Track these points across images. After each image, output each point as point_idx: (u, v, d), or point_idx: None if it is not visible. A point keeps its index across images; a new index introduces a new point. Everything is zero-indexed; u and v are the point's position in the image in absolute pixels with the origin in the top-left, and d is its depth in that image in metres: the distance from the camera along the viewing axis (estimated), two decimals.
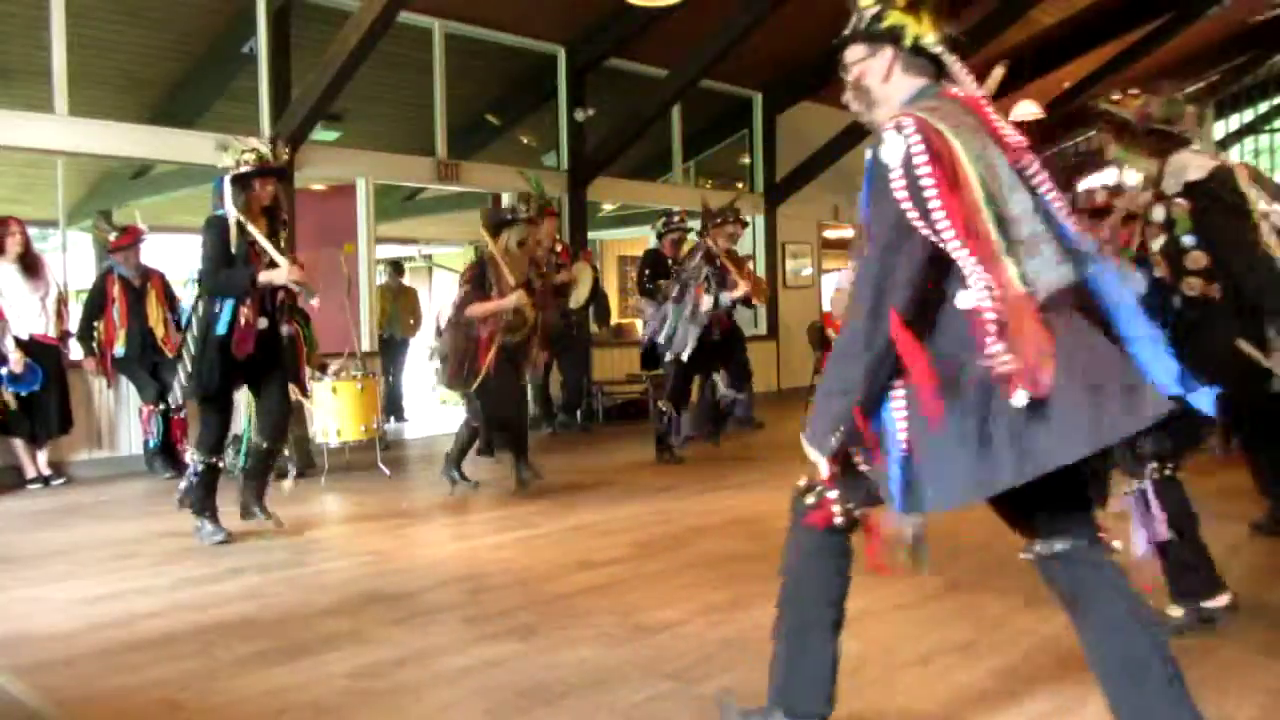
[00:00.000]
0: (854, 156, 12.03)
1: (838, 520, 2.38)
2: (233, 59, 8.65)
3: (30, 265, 6.62)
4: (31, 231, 6.91)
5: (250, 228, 4.68)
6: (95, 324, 6.91)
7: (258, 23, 8.00)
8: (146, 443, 6.98)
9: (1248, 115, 16.20)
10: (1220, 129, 16.00)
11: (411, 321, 10.64)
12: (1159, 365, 2.13)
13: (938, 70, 2.25)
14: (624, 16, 9.00)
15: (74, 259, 10.39)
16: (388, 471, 6.89)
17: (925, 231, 2.02)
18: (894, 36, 2.23)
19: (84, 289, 8.35)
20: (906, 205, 2.02)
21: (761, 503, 5.50)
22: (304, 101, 7.64)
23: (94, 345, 6.92)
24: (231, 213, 4.66)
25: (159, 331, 7.03)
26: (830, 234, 13.44)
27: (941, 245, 2.02)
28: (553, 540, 4.81)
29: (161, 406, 6.90)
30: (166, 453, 6.97)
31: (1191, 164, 3.30)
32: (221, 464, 4.95)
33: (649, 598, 3.75)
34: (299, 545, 4.82)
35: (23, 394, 6.45)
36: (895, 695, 2.79)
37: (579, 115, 10.00)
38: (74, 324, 7.00)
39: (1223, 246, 3.22)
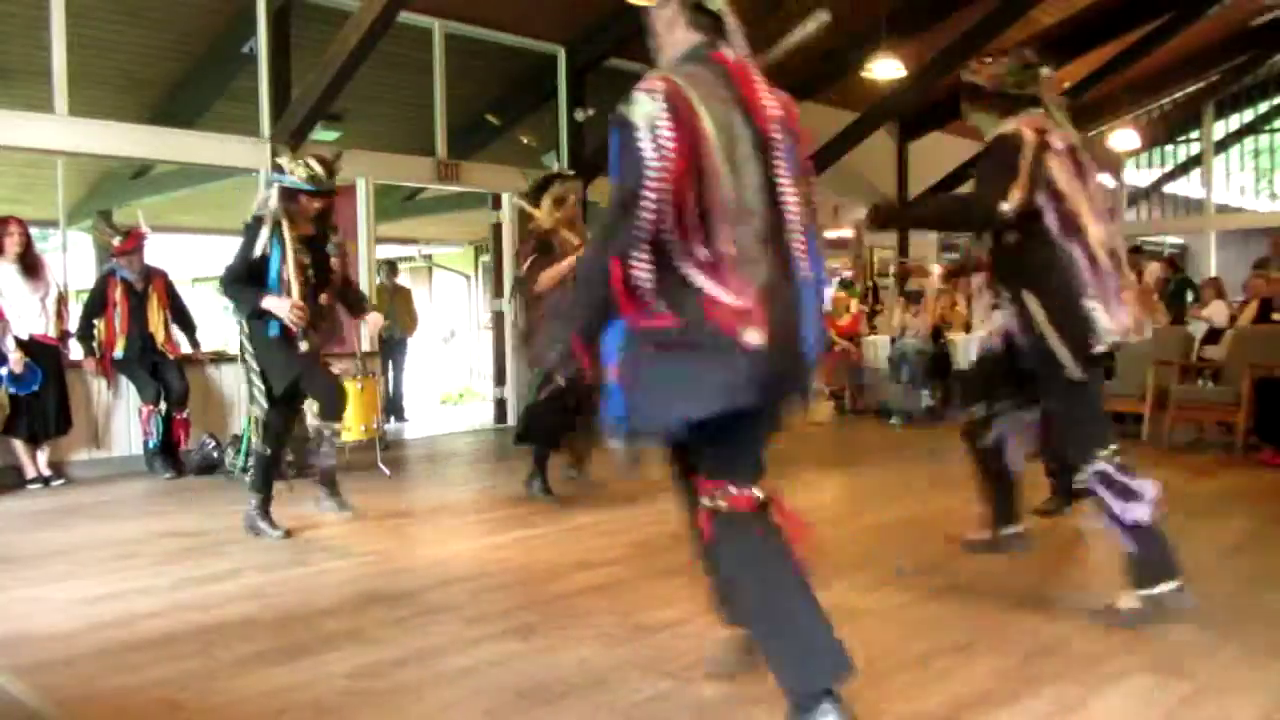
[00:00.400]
0: (854, 156, 12.05)
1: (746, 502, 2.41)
2: (233, 59, 8.65)
3: (30, 265, 6.62)
4: (32, 231, 6.90)
5: (286, 235, 4.64)
6: (95, 323, 6.92)
7: (258, 23, 8.00)
8: (146, 443, 6.98)
9: (1248, 115, 16.19)
10: (1220, 129, 15.99)
11: (408, 321, 10.64)
12: (812, 335, 2.32)
13: (719, 29, 2.34)
14: (624, 16, 8.98)
15: (74, 259, 10.41)
16: (388, 471, 6.89)
17: (660, 190, 2.13)
18: None
19: (84, 289, 8.37)
20: (647, 164, 2.14)
21: None
22: (304, 101, 7.64)
23: (94, 345, 6.93)
24: (269, 215, 4.64)
25: (159, 335, 7.03)
26: (830, 234, 13.43)
27: (673, 204, 2.15)
28: (553, 540, 4.81)
29: (162, 407, 6.91)
30: (166, 453, 6.97)
31: (1007, 125, 3.38)
32: (286, 456, 5.04)
33: (649, 598, 3.75)
34: (299, 545, 4.82)
35: (23, 394, 6.45)
36: (895, 695, 2.78)
37: (579, 115, 10.00)
38: (74, 324, 7.01)
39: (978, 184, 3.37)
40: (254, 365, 4.80)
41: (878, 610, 3.58)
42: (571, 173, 5.98)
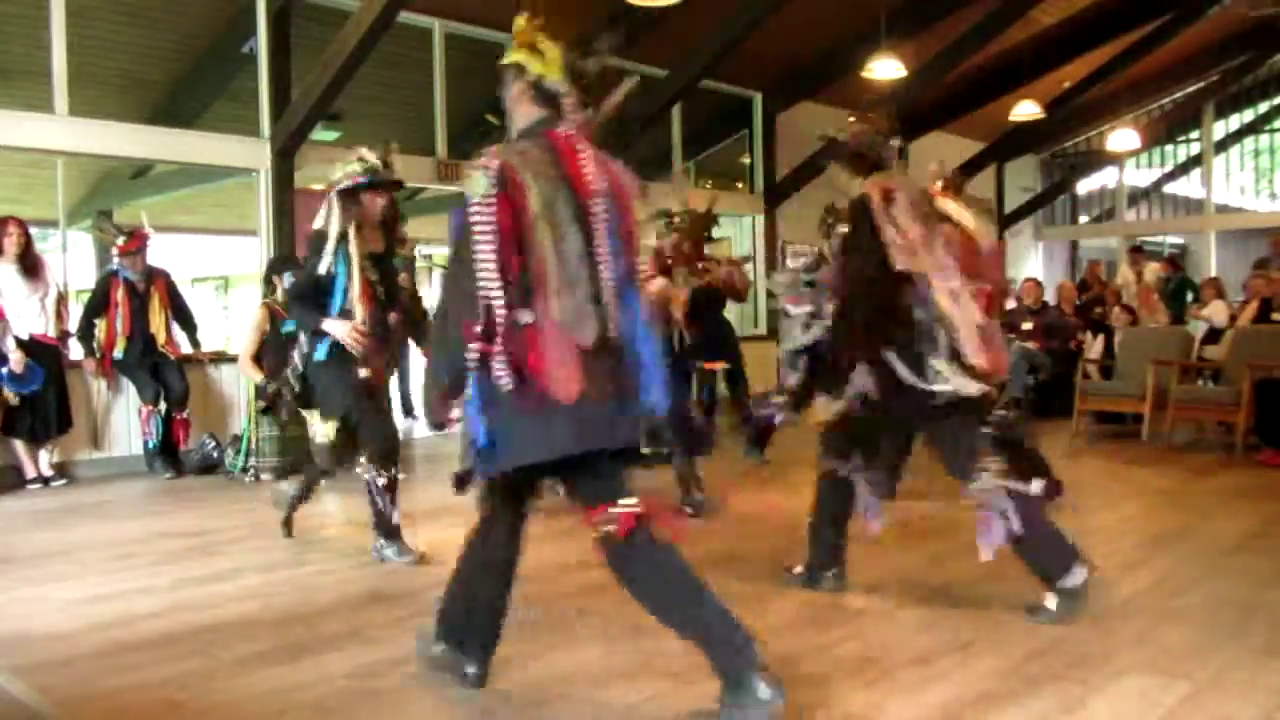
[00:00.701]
0: None
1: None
2: (233, 59, 8.66)
3: (30, 265, 6.62)
4: (32, 231, 6.91)
5: (353, 250, 4.24)
6: (95, 322, 6.92)
7: (258, 23, 8.00)
8: (146, 443, 6.98)
9: (1248, 115, 16.18)
10: (1220, 129, 15.99)
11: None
12: (654, 388, 2.61)
13: (558, 107, 2.64)
14: (624, 16, 9.00)
15: (74, 259, 10.40)
16: None
17: (494, 260, 2.42)
18: (520, 70, 2.65)
19: (84, 289, 8.37)
20: (479, 234, 2.42)
21: (762, 503, 5.50)
22: (304, 101, 7.64)
23: (94, 346, 6.93)
24: (334, 228, 4.24)
25: (160, 335, 7.04)
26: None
27: (503, 273, 2.42)
28: (553, 540, 4.80)
29: (161, 407, 6.91)
30: (166, 453, 6.98)
31: (852, 189, 3.70)
32: (400, 474, 4.50)
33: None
34: (299, 545, 4.82)
35: (23, 394, 6.45)
36: (895, 695, 2.78)
37: None
38: (74, 324, 7.01)
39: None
40: (292, 382, 4.59)
41: (878, 610, 3.58)
42: None
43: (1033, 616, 3.43)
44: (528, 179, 2.46)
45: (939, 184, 4.23)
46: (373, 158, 4.27)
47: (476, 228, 2.43)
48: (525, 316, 2.45)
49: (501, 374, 2.45)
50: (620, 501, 2.61)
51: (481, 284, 2.42)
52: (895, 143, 3.74)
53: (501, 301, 2.43)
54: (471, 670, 2.81)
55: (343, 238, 4.22)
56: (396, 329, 4.48)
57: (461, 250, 2.47)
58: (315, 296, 4.30)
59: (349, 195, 4.24)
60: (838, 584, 3.83)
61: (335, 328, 4.24)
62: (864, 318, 3.57)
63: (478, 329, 2.43)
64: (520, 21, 2.68)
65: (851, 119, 3.80)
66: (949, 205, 3.79)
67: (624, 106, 2.81)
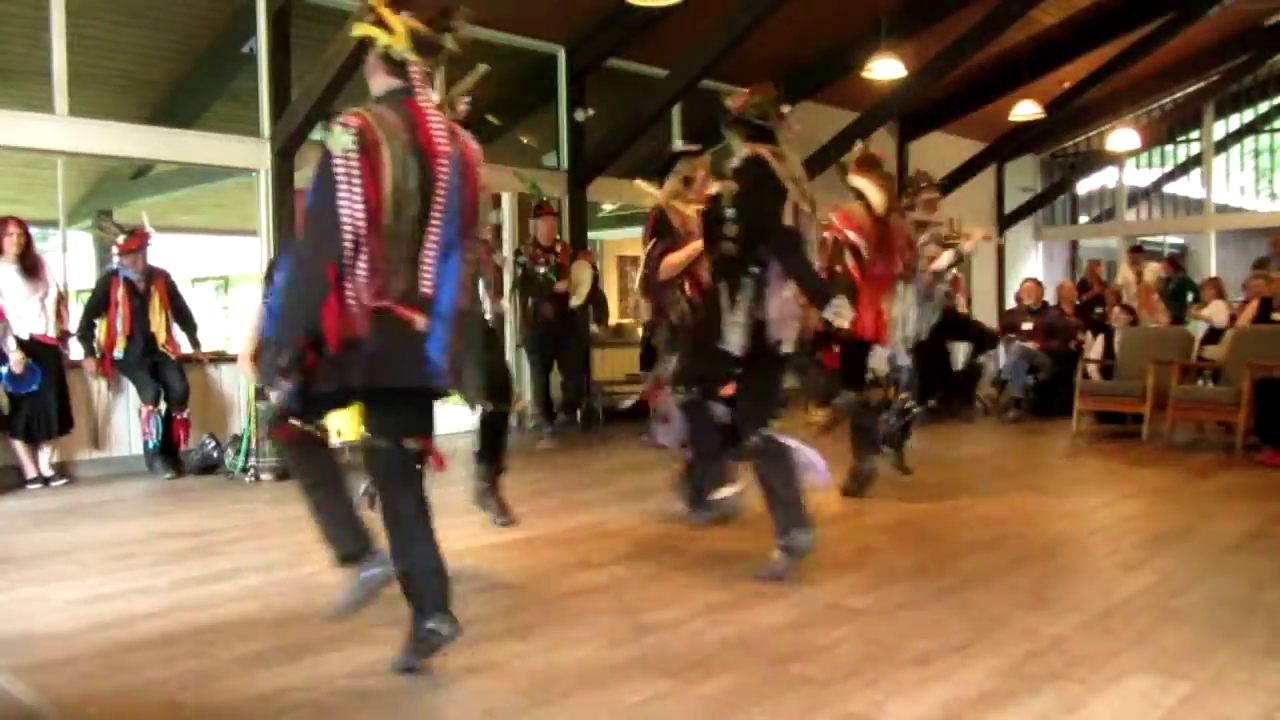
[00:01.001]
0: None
1: (299, 432, 3.03)
2: (233, 59, 8.65)
3: (30, 265, 6.62)
4: (32, 231, 6.90)
5: None
6: (95, 322, 6.92)
7: (258, 23, 7.99)
8: (146, 443, 6.98)
9: (1248, 115, 16.17)
10: (1220, 129, 15.98)
11: None
12: (436, 345, 2.81)
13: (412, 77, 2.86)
14: (624, 16, 9.00)
15: (74, 259, 10.39)
16: None
17: (346, 210, 2.65)
18: (371, 42, 2.86)
19: (84, 289, 8.36)
20: (340, 186, 2.65)
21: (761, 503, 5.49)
22: (304, 101, 7.63)
23: (94, 346, 6.92)
24: None
25: (161, 335, 7.03)
26: (831, 234, 13.44)
27: (353, 224, 2.66)
28: (553, 540, 4.81)
29: (161, 407, 6.91)
30: (166, 453, 6.97)
31: (742, 152, 4.05)
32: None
33: (649, 598, 3.75)
34: (299, 545, 4.81)
35: (23, 394, 6.45)
36: (895, 695, 2.78)
37: (579, 115, 9.99)
38: (74, 324, 7.00)
39: (751, 215, 3.96)
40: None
41: (878, 610, 3.58)
42: (697, 146, 5.39)
43: (762, 572, 3.92)
44: (383, 140, 2.69)
45: (853, 161, 4.65)
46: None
47: (339, 180, 2.66)
48: (359, 265, 2.71)
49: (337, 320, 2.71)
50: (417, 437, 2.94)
51: (341, 230, 2.66)
52: (787, 111, 4.09)
53: (353, 249, 2.69)
54: (367, 563, 3.02)
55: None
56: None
57: (322, 199, 2.68)
58: None
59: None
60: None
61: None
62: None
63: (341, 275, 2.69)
64: (378, 6, 2.90)
65: (744, 90, 4.15)
66: (858, 181, 4.33)
67: (474, 89, 3.13)
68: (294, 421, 3.00)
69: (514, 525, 4.85)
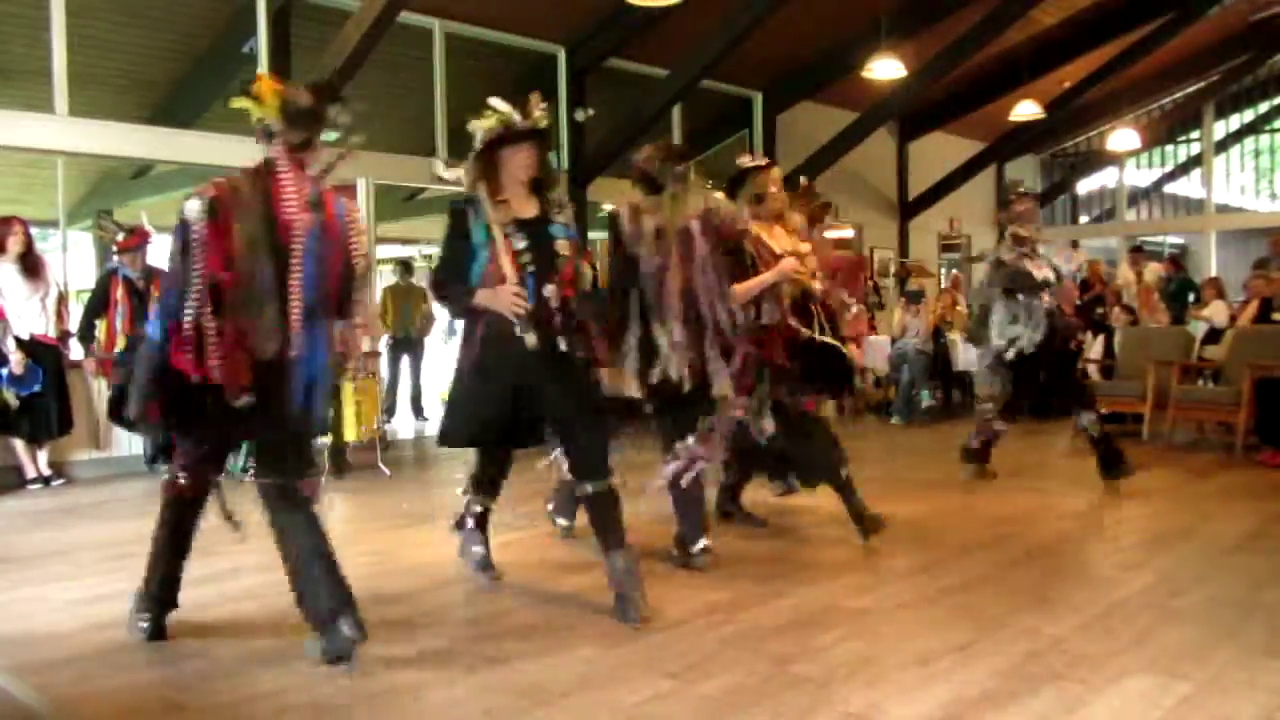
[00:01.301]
0: (854, 157, 12.05)
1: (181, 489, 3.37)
2: (233, 59, 8.65)
3: (30, 265, 6.62)
4: (32, 231, 6.91)
5: (491, 214, 3.62)
6: (96, 323, 6.91)
7: (258, 23, 7.99)
8: (146, 443, 6.98)
9: (1248, 115, 16.18)
10: (1220, 129, 15.99)
11: (423, 320, 10.64)
12: (311, 399, 3.11)
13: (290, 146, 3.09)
14: (624, 16, 9.00)
15: (74, 259, 10.39)
16: (388, 472, 6.89)
17: (200, 275, 2.92)
18: (248, 115, 3.08)
19: (84, 289, 8.36)
20: (191, 252, 2.92)
21: (762, 503, 5.50)
22: None
23: (94, 346, 6.92)
24: (482, 194, 3.66)
25: None
26: (831, 234, 13.44)
27: (202, 286, 2.91)
28: (553, 540, 4.81)
29: None
30: (166, 453, 6.96)
31: (622, 207, 4.25)
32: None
33: (649, 598, 3.74)
34: None
35: (23, 394, 6.45)
36: (895, 695, 2.78)
37: (579, 115, 10.00)
38: (74, 324, 7.00)
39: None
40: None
41: (878, 610, 3.58)
42: (765, 160, 4.93)
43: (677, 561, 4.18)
44: (234, 209, 2.95)
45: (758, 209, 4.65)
46: (505, 106, 3.74)
47: (193, 244, 2.93)
48: (211, 323, 2.93)
49: (187, 367, 2.95)
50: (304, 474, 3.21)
51: (190, 293, 2.92)
52: (680, 169, 4.19)
53: (195, 310, 2.92)
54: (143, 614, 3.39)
55: (474, 203, 3.67)
56: (556, 302, 3.66)
57: (177, 263, 2.97)
58: (459, 276, 3.66)
59: (486, 155, 3.70)
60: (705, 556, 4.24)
61: (494, 296, 3.55)
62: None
63: (182, 330, 2.93)
64: (260, 79, 3.16)
65: (647, 148, 4.33)
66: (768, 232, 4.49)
67: (329, 169, 3.28)
68: (181, 479, 3.34)
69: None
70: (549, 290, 3.63)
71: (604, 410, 3.89)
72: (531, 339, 3.56)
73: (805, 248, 4.75)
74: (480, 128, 3.73)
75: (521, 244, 3.61)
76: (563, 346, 3.66)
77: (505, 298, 3.53)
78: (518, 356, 3.56)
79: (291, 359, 3.03)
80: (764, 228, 4.61)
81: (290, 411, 3.07)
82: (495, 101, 3.76)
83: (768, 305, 4.45)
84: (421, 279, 10.76)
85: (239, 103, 3.09)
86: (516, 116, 3.75)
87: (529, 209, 3.70)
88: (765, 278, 4.38)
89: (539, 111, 3.85)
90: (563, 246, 3.70)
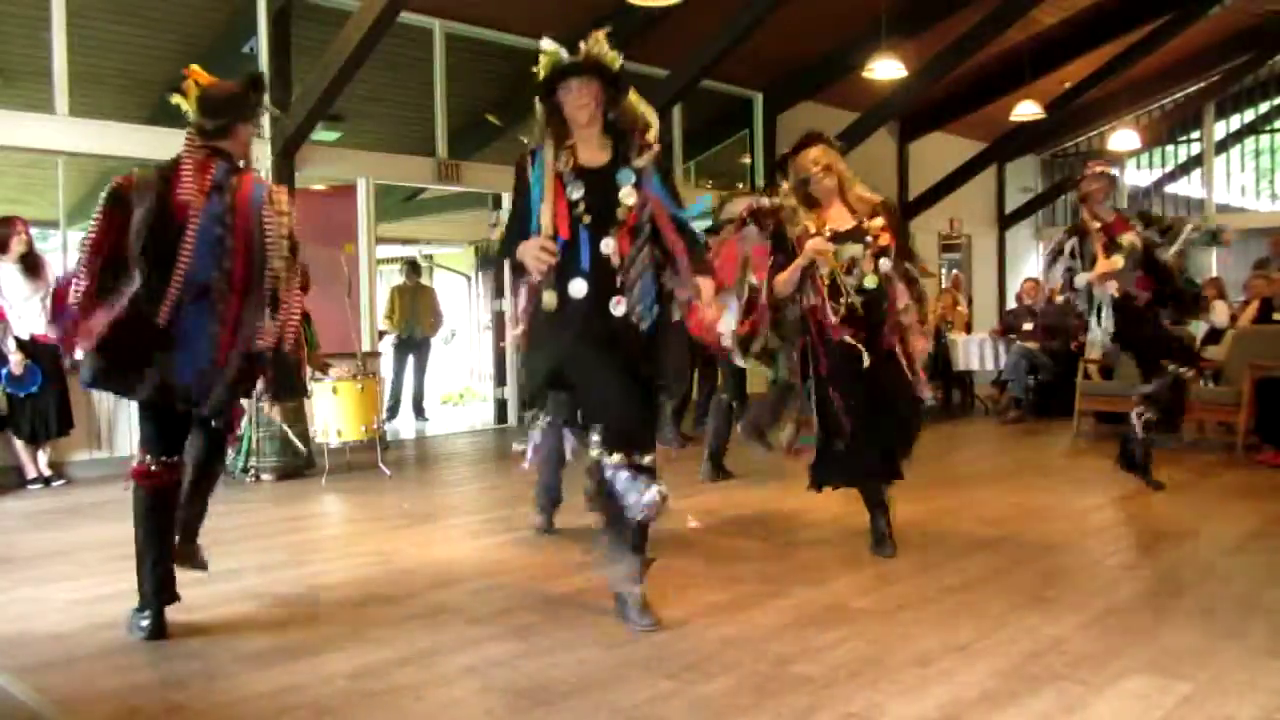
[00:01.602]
0: (855, 157, 12.01)
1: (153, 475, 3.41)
2: (233, 59, 8.65)
3: (31, 266, 6.62)
4: (32, 231, 6.91)
5: (548, 160, 3.39)
6: None
7: (258, 23, 8.00)
8: None
9: (1248, 115, 16.17)
10: (1221, 129, 15.98)
11: (431, 320, 10.65)
12: (189, 372, 3.26)
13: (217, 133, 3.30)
14: (624, 16, 8.99)
15: (74, 259, 10.39)
16: (388, 472, 6.89)
17: (95, 247, 3.17)
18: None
19: None
20: (93, 230, 3.19)
21: (762, 503, 5.50)
22: (304, 101, 7.64)
23: None
24: (548, 150, 3.43)
25: None
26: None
27: (98, 259, 3.18)
28: (553, 540, 4.81)
29: None
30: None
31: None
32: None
33: (649, 598, 3.74)
34: (299, 545, 4.82)
35: (23, 395, 6.45)
36: (895, 695, 2.78)
37: None
38: None
39: None
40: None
41: (878, 610, 3.58)
42: (816, 133, 4.49)
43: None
44: (134, 195, 3.19)
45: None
46: (553, 45, 3.55)
47: (96, 222, 3.20)
48: (82, 284, 3.16)
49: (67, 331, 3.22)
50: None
51: (90, 262, 3.17)
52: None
53: (88, 283, 3.15)
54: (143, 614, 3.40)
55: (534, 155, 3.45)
56: (616, 259, 3.34)
57: (86, 238, 3.22)
58: (523, 236, 3.40)
59: (546, 101, 3.48)
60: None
61: (520, 251, 3.33)
62: None
63: (71, 301, 3.16)
64: (189, 73, 3.36)
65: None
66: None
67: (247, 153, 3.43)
68: (149, 462, 3.38)
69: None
70: (607, 245, 3.30)
71: (659, 388, 3.44)
72: (550, 299, 3.31)
73: (878, 222, 4.32)
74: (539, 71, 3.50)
75: (577, 193, 3.32)
76: (617, 309, 3.30)
77: (531, 250, 3.25)
78: (569, 320, 3.30)
79: (175, 334, 3.20)
80: (813, 212, 4.29)
81: (173, 383, 3.23)
82: (545, 42, 3.55)
83: (808, 289, 4.22)
84: (428, 279, 10.77)
85: (174, 98, 3.35)
86: (564, 53, 3.48)
87: (600, 156, 3.41)
88: (797, 262, 4.16)
89: (593, 45, 3.53)
90: (626, 195, 3.33)
